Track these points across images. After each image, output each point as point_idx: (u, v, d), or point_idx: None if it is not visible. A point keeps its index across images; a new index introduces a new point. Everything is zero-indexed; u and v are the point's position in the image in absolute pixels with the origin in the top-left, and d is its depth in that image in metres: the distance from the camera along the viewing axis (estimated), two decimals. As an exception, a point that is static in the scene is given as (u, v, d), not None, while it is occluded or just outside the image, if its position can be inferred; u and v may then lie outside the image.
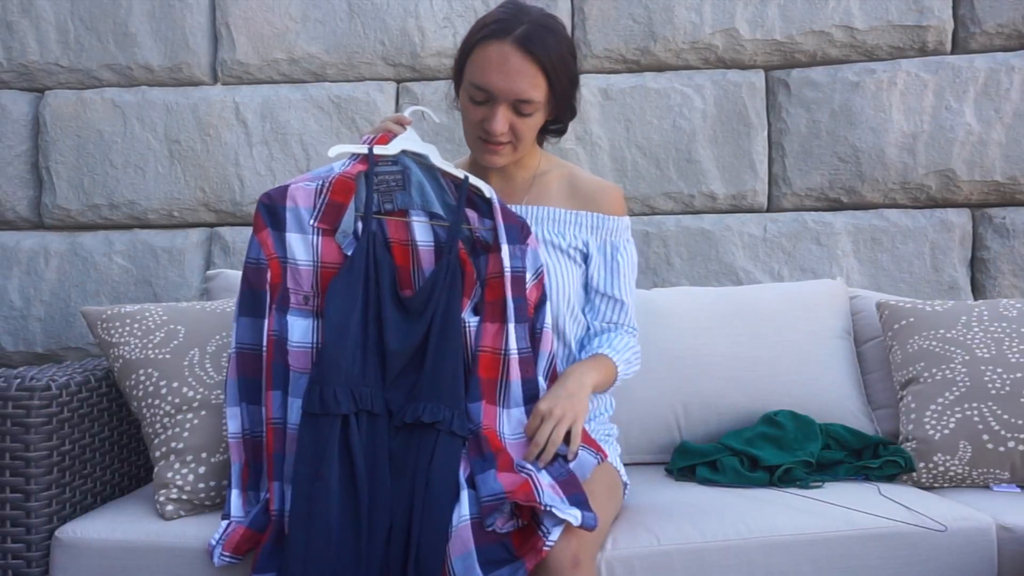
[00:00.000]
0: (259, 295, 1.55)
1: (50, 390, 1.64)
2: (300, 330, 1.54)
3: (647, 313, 2.03)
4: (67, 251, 2.46)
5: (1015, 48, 2.41)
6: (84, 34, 2.48)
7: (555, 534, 1.33)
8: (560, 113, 1.64)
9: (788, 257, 2.41)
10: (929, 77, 2.39)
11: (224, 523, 1.54)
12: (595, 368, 1.58)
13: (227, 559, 1.49)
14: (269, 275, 1.55)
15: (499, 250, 1.55)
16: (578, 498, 1.39)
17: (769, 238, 2.41)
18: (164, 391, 1.75)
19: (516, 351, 1.53)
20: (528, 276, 1.57)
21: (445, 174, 1.60)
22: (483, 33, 1.54)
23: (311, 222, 1.55)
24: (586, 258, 1.69)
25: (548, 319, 1.59)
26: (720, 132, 2.43)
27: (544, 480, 1.41)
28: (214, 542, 1.52)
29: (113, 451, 1.85)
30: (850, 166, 2.41)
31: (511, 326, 1.53)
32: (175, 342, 1.82)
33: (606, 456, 1.56)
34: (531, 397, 1.54)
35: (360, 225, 1.57)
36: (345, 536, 1.40)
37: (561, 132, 1.73)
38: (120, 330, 1.84)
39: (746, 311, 2.09)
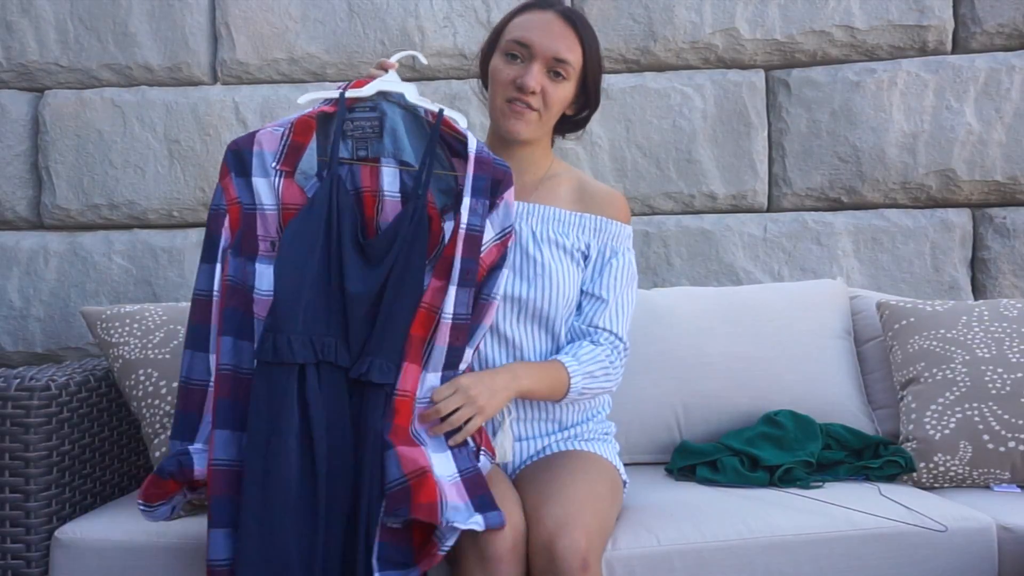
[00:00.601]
0: (217, 241, 1.50)
1: (49, 390, 1.64)
2: (269, 278, 1.47)
3: (647, 313, 2.03)
4: (67, 251, 2.46)
5: (1016, 48, 2.41)
6: (84, 34, 2.47)
7: (451, 540, 1.35)
8: (587, 98, 1.67)
9: (788, 257, 2.41)
10: (929, 77, 2.38)
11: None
12: (536, 374, 1.53)
13: (141, 507, 1.47)
14: (227, 220, 1.49)
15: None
16: (484, 499, 1.38)
17: (769, 238, 2.41)
18: (164, 391, 1.75)
19: (451, 315, 1.45)
20: (492, 235, 1.50)
21: (429, 115, 1.53)
22: (524, 5, 1.64)
23: (273, 164, 1.51)
24: (587, 260, 1.67)
25: (499, 288, 1.52)
26: (720, 132, 2.43)
27: (447, 471, 1.39)
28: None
29: (113, 451, 1.85)
30: (850, 166, 2.41)
31: (452, 288, 1.45)
32: (175, 342, 1.82)
33: (494, 457, 1.52)
34: (451, 364, 1.47)
35: (326, 170, 1.50)
36: (304, 494, 1.37)
37: (581, 125, 1.75)
38: (120, 330, 1.84)
39: (746, 311, 2.09)
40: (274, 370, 1.40)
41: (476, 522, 1.34)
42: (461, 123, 1.52)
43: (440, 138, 1.51)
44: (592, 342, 1.62)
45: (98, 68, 2.48)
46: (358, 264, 1.46)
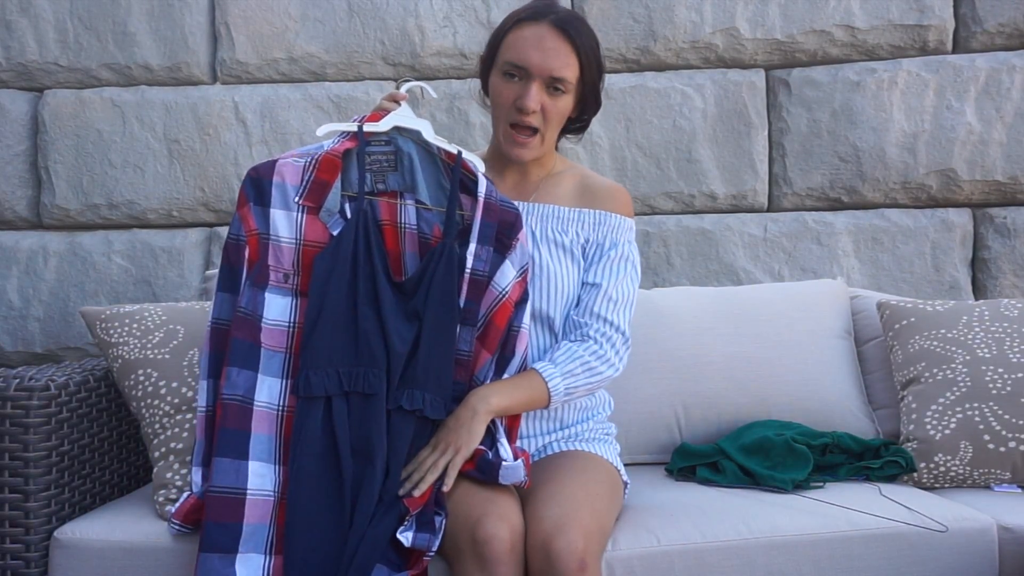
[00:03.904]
0: (237, 272, 1.53)
1: (49, 390, 1.64)
2: (277, 308, 1.52)
3: (647, 313, 2.03)
4: (66, 251, 2.45)
5: (1016, 47, 2.41)
6: (83, 33, 2.47)
7: (435, 545, 1.41)
8: (586, 104, 1.66)
9: (788, 257, 2.41)
10: (930, 76, 2.38)
11: (184, 495, 1.56)
12: (505, 389, 1.53)
13: (177, 527, 1.53)
14: (247, 252, 1.52)
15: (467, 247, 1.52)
16: (426, 517, 1.44)
17: (769, 238, 2.41)
18: (163, 391, 1.75)
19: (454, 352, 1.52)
20: (514, 274, 1.54)
21: (441, 152, 1.58)
22: (519, 17, 1.61)
23: (296, 199, 1.53)
24: (585, 254, 1.68)
25: (526, 319, 1.56)
26: (720, 132, 2.43)
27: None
28: (171, 511, 1.56)
29: (112, 451, 1.85)
30: (851, 166, 2.41)
31: (456, 327, 1.51)
32: (174, 342, 1.82)
33: (527, 470, 1.52)
34: (457, 398, 1.52)
35: (348, 205, 1.54)
36: (329, 518, 1.43)
37: (583, 128, 1.75)
38: (119, 330, 1.84)
39: (746, 311, 2.09)
40: (307, 403, 1.46)
41: (405, 537, 1.40)
42: (480, 167, 1.56)
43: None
44: (578, 338, 1.60)
45: (97, 68, 2.48)
46: (394, 301, 1.50)
